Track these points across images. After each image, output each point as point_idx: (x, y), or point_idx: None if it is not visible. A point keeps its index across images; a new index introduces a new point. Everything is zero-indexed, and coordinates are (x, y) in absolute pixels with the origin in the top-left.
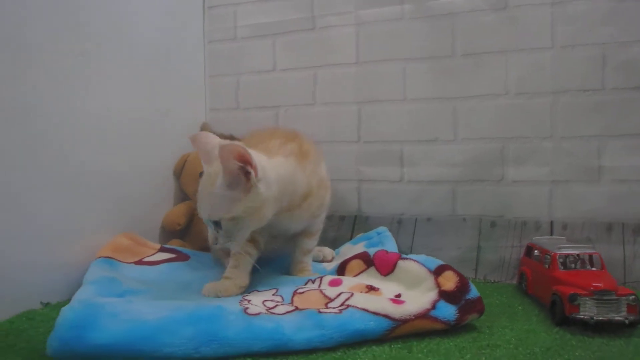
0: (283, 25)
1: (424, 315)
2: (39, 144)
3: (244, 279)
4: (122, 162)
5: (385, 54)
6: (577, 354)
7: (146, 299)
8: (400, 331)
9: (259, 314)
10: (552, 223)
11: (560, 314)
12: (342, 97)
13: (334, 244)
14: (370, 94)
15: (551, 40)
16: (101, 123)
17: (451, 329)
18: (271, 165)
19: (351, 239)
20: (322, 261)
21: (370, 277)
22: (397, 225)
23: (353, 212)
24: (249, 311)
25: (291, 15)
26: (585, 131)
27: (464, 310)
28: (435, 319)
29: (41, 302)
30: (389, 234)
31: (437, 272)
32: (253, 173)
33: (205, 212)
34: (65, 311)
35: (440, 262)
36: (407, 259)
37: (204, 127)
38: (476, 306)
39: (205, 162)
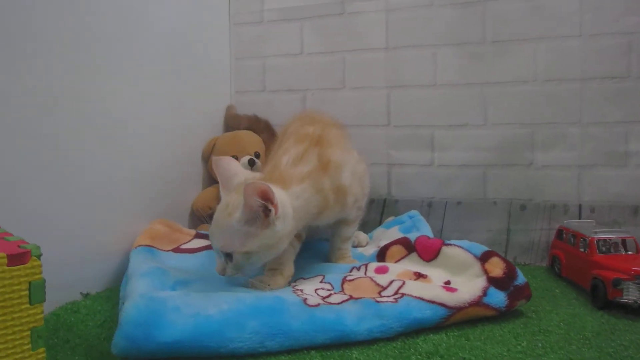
0: (311, 10)
1: (477, 303)
2: (67, 136)
3: (289, 269)
4: (150, 149)
5: (415, 39)
6: (627, 338)
7: (199, 290)
8: (454, 318)
9: (318, 305)
10: (580, 206)
11: (603, 298)
12: (371, 81)
13: (364, 227)
14: (400, 79)
15: (579, 28)
16: (127, 110)
17: (501, 315)
18: (289, 199)
19: (380, 222)
20: (357, 246)
21: (412, 263)
22: (427, 208)
23: (382, 195)
24: (308, 302)
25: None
26: (612, 117)
27: (513, 296)
28: (487, 306)
29: (81, 293)
30: (421, 217)
31: (483, 258)
32: (273, 211)
33: (218, 242)
34: (129, 309)
35: (486, 248)
36: (451, 244)
37: (230, 109)
38: (524, 292)
39: (223, 188)
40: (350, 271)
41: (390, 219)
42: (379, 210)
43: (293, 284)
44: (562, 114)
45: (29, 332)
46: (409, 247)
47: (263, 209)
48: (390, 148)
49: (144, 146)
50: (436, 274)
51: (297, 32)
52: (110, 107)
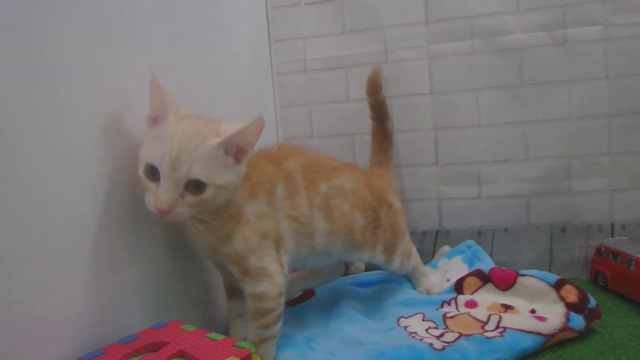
0: (355, 58)
1: (564, 328)
2: None
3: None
4: None
5: (458, 84)
6: None
7: (335, 348)
8: (549, 343)
9: (443, 348)
10: (612, 225)
11: None
12: (418, 124)
13: (421, 256)
14: (446, 121)
15: (605, 71)
16: None
17: (580, 335)
18: None
19: (433, 251)
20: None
21: (489, 293)
22: (477, 236)
23: (435, 227)
24: (435, 347)
25: (363, 49)
26: (637, 146)
27: (589, 318)
28: (572, 329)
29: None
30: (479, 247)
31: (557, 286)
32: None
33: (189, 168)
34: None
35: (557, 277)
36: (526, 275)
37: (377, 72)
38: (596, 313)
39: (165, 112)
40: (442, 306)
41: (445, 248)
42: (431, 241)
43: (405, 326)
44: (594, 146)
45: None
46: (484, 278)
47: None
48: (440, 184)
49: None
50: (518, 303)
51: (342, 79)
52: None
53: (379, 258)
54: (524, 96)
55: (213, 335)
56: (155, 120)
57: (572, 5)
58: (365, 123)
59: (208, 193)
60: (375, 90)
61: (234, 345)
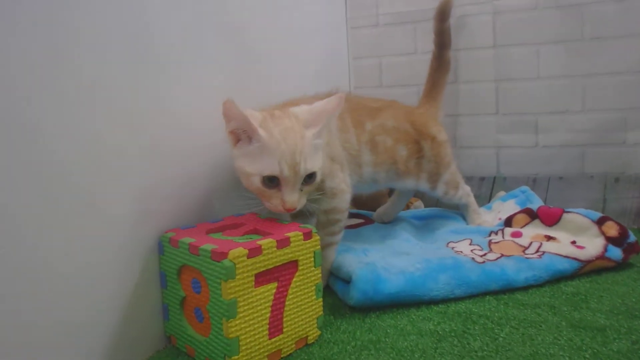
0: (424, 14)
1: (601, 257)
2: None
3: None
4: None
5: (520, 38)
6: None
7: (386, 255)
8: (585, 269)
9: (484, 262)
10: None
11: None
12: (481, 76)
13: (477, 200)
14: (507, 73)
15: None
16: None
17: (618, 266)
18: None
19: (491, 196)
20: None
21: (536, 228)
22: (532, 183)
23: (492, 173)
24: (476, 260)
25: (431, 4)
26: None
27: (627, 251)
28: (609, 259)
29: None
30: (532, 192)
31: (600, 222)
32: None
33: (301, 167)
34: (359, 273)
35: (600, 214)
36: (570, 212)
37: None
38: (635, 248)
39: (250, 128)
40: (489, 235)
41: (501, 193)
42: (489, 186)
43: (453, 247)
44: None
45: (314, 286)
46: (532, 215)
47: None
48: (499, 133)
49: None
50: (561, 235)
51: (411, 33)
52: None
53: (423, 185)
54: (583, 50)
55: (282, 221)
56: (237, 137)
57: None
58: None
59: (317, 176)
60: (442, 18)
61: (299, 226)
